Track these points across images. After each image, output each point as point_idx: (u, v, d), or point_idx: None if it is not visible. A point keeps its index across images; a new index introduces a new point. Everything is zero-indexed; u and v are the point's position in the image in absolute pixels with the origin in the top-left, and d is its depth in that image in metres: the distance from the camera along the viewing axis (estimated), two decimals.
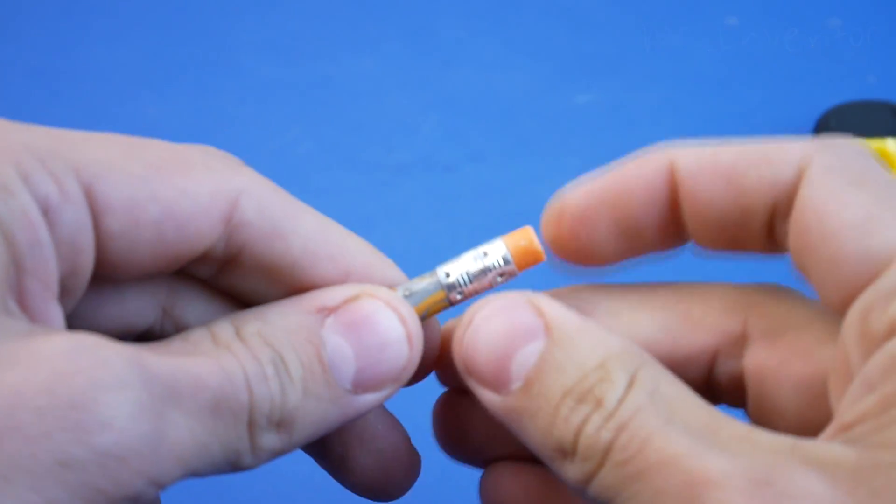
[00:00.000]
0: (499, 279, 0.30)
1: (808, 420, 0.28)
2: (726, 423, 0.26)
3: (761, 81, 0.65)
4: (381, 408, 0.32)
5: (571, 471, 0.26)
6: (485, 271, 0.30)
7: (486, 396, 0.28)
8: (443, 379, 0.32)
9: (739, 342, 0.30)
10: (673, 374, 0.27)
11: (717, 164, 0.29)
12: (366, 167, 0.61)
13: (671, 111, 0.64)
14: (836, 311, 0.27)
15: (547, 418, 0.26)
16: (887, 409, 0.24)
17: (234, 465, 0.27)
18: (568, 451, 0.26)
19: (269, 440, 0.27)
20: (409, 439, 0.32)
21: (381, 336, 0.29)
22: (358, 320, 0.29)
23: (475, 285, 0.30)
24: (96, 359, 0.24)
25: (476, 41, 0.68)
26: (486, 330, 0.28)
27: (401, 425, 0.32)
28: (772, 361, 0.29)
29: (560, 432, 0.26)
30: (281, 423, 0.27)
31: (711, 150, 0.29)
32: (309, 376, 0.28)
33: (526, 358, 0.27)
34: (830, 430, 0.25)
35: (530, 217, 0.63)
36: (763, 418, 0.30)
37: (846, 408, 0.25)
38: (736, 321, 0.30)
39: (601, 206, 0.29)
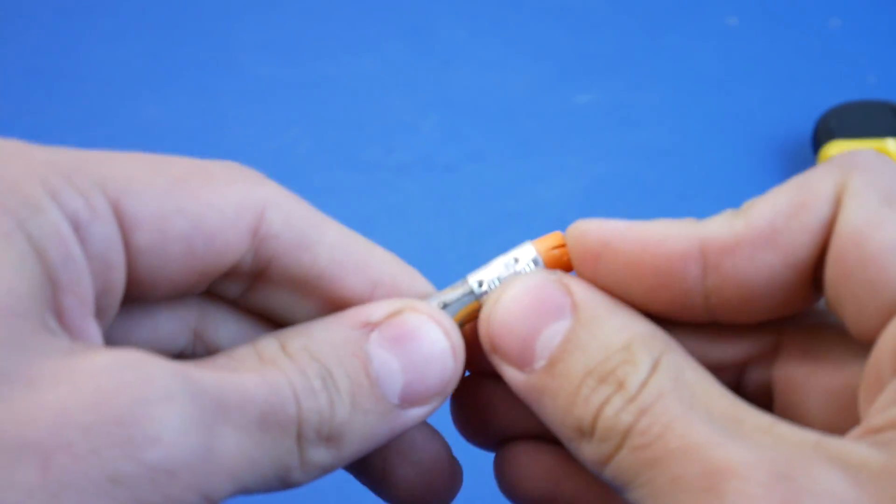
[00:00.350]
0: None
1: (835, 430, 0.27)
2: (749, 413, 0.25)
3: (761, 81, 0.65)
4: None
5: (588, 451, 0.26)
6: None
7: (510, 374, 0.28)
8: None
9: (772, 353, 0.30)
10: (697, 362, 0.27)
11: (753, 229, 0.27)
12: (366, 167, 0.61)
13: (671, 111, 0.64)
14: (871, 341, 0.26)
15: (568, 398, 0.26)
16: None
17: (283, 481, 0.27)
18: (586, 432, 0.26)
19: (319, 455, 0.27)
20: (449, 449, 0.32)
21: (426, 350, 0.29)
22: (403, 335, 0.29)
23: None
24: (140, 374, 0.24)
25: (476, 41, 0.69)
26: (514, 307, 0.28)
27: (440, 435, 0.32)
28: (802, 371, 0.29)
29: (580, 412, 0.26)
30: (330, 437, 0.28)
31: (743, 220, 0.27)
32: (357, 391, 0.28)
33: (551, 336, 0.27)
34: (858, 431, 0.25)
35: (529, 216, 0.62)
36: None
37: (875, 413, 0.25)
38: (771, 335, 0.30)
39: (619, 274, 0.29)
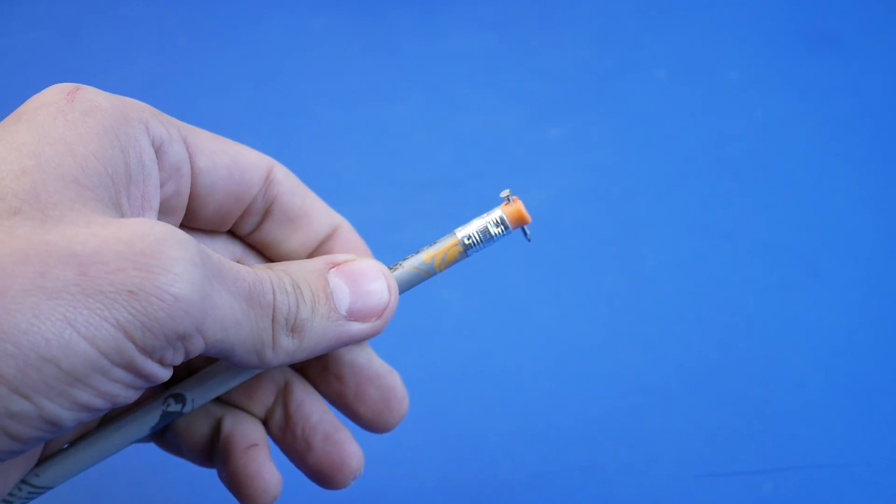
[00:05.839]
0: (497, 233, 0.32)
1: None
2: None
3: (681, 116, 0.68)
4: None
5: None
6: (487, 228, 0.32)
7: None
8: None
9: None
10: None
11: None
12: (401, 183, 0.65)
13: (615, 141, 0.68)
14: None
15: None
16: None
17: (259, 356, 0.28)
18: None
19: (286, 341, 0.28)
20: (402, 382, 0.34)
21: (368, 283, 0.30)
22: (354, 271, 0.30)
23: (481, 237, 0.32)
24: (167, 229, 0.25)
25: (477, 93, 0.71)
26: None
27: (396, 373, 0.35)
28: None
29: None
30: (294, 328, 0.28)
31: None
32: (317, 299, 0.29)
33: None
34: None
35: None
36: None
37: None
38: None
39: None
